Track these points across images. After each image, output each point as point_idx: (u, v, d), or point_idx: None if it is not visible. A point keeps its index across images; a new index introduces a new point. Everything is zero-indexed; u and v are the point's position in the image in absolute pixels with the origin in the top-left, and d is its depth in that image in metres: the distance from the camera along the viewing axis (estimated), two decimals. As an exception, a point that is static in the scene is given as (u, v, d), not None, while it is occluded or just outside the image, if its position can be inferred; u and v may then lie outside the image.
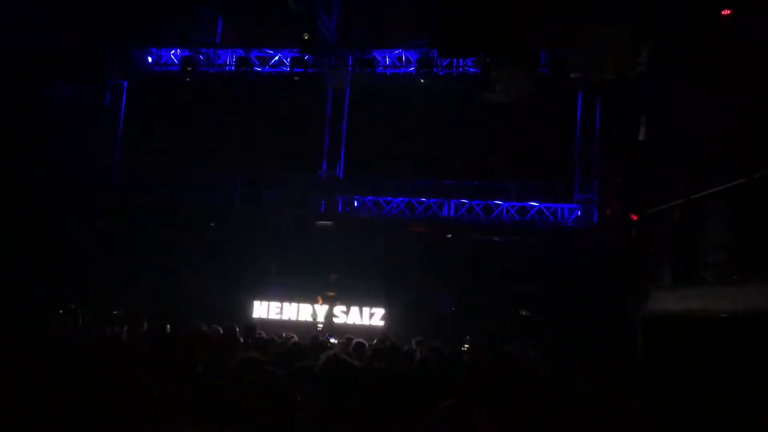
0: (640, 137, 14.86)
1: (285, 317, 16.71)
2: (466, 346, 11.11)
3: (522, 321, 15.51)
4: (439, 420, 3.52)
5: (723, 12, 11.90)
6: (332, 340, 10.32)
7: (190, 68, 18.22)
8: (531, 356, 8.32)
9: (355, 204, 18.41)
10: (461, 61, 17.87)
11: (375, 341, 8.38)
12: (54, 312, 11.66)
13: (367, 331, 13.90)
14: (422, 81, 17.43)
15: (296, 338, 8.85)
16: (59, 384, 4.43)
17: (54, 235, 16.88)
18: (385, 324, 15.94)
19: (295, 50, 17.89)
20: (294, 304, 16.81)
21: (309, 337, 8.88)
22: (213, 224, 18.02)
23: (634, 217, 14.99)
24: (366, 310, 16.45)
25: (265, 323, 15.38)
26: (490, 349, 8.68)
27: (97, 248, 17.43)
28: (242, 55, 18.20)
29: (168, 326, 9.21)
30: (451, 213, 17.87)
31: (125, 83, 19.78)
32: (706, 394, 6.24)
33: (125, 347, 6.55)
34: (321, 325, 15.61)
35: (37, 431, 3.82)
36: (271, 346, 7.70)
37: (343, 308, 16.26)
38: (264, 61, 18.57)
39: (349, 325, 15.90)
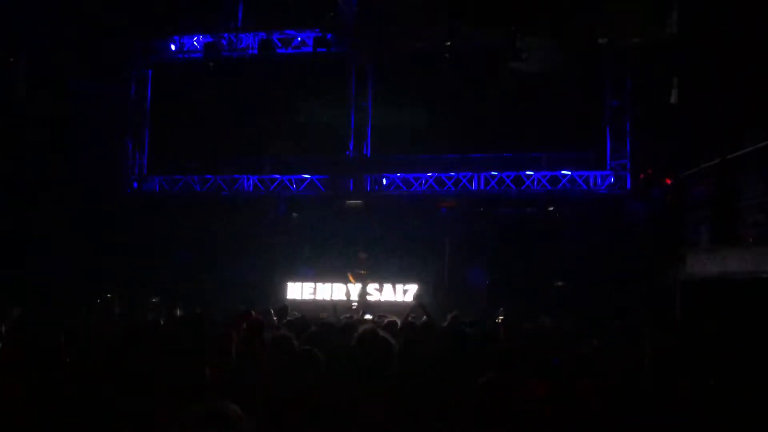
0: (672, 100, 14.57)
1: (319, 297, 16.74)
2: (500, 318, 11.02)
3: (558, 292, 15.36)
4: (477, 395, 3.42)
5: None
6: (368, 317, 10.27)
7: (213, 54, 18.22)
8: (565, 328, 8.18)
9: (384, 182, 18.32)
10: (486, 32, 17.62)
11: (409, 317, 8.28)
12: (91, 303, 11.78)
13: (402, 308, 13.83)
14: (447, 55, 17.22)
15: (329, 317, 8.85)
16: (94, 372, 4.44)
17: (86, 229, 17.08)
18: (418, 299, 15.89)
19: (317, 30, 17.79)
20: (327, 284, 16.84)
21: (340, 316, 8.80)
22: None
23: (668, 181, 14.76)
24: (399, 286, 16.43)
25: (300, 304, 15.40)
26: (524, 322, 8.54)
27: (131, 239, 17.62)
28: (264, 38, 18.15)
29: (198, 310, 9.22)
30: (482, 186, 17.70)
31: (150, 72, 19.85)
32: (748, 358, 6.09)
33: (159, 333, 6.56)
34: (355, 304, 15.61)
35: (77, 417, 3.82)
36: (305, 325, 7.66)
37: (376, 286, 16.25)
38: (286, 42, 18.51)
39: (383, 302, 15.89)
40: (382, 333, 4.39)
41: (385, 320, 8.35)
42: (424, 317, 7.62)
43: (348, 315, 10.33)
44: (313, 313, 10.99)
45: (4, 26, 15.99)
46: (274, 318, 9.42)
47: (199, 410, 2.44)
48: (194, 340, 5.37)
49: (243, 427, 2.42)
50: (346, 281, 16.28)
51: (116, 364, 4.55)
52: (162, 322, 8.70)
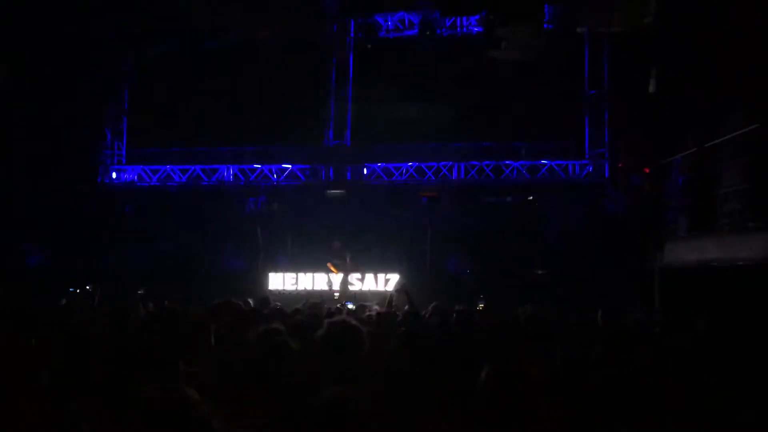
0: (650, 89, 14.68)
1: (301, 287, 16.75)
2: (480, 306, 11.08)
3: (539, 280, 15.46)
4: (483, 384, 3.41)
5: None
6: (350, 306, 10.29)
7: (193, 43, 18.09)
8: (548, 315, 8.23)
9: (365, 171, 18.31)
10: (465, 20, 17.66)
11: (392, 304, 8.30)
12: (70, 293, 11.73)
13: (384, 297, 13.87)
14: (425, 43, 17.23)
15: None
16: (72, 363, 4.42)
17: (64, 218, 16.97)
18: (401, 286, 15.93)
19: (297, 19, 17.69)
20: (309, 274, 16.85)
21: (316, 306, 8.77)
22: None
23: (647, 170, 14.88)
24: (381, 276, 16.47)
25: (281, 294, 15.41)
26: (503, 310, 8.61)
27: (109, 229, 17.54)
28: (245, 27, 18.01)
29: (167, 303, 9.17)
30: (462, 175, 17.75)
31: (129, 61, 19.66)
32: (725, 343, 6.16)
33: (135, 326, 6.53)
34: (336, 294, 15.63)
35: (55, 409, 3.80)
36: (285, 317, 7.66)
37: (358, 275, 16.28)
38: (266, 31, 18.36)
39: (365, 291, 15.93)
40: (353, 322, 4.40)
41: (367, 312, 8.40)
42: (407, 305, 7.63)
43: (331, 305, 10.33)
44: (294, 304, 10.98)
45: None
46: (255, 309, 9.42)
47: (155, 393, 2.44)
48: (168, 333, 5.37)
49: (199, 411, 2.42)
50: (327, 271, 16.31)
51: (88, 356, 4.53)
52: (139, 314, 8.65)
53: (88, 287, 11.99)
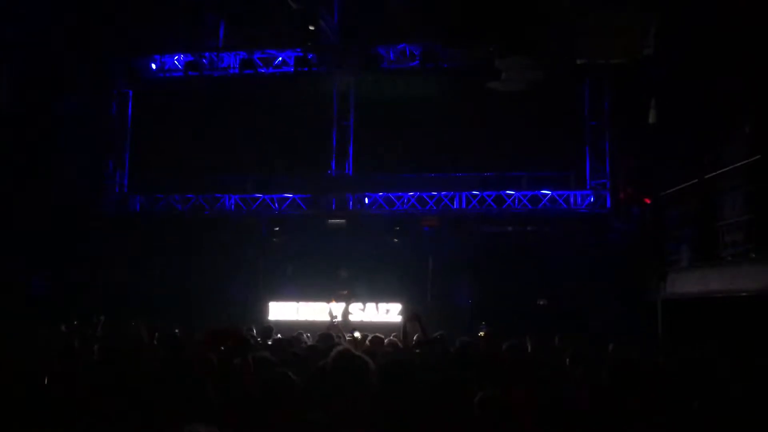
0: (651, 120, 14.75)
1: (302, 318, 16.66)
2: (481, 333, 11.03)
3: (540, 310, 15.41)
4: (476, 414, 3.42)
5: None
6: (356, 335, 10.23)
7: (194, 73, 18.24)
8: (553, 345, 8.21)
9: (366, 201, 18.34)
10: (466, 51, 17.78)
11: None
12: (71, 323, 11.67)
13: (385, 328, 13.80)
14: (428, 75, 17.37)
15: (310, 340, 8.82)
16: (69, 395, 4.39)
17: (66, 248, 16.98)
18: (402, 319, 15.87)
19: (298, 50, 17.85)
20: (310, 304, 16.78)
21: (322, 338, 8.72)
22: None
23: (648, 201, 14.90)
24: (382, 305, 16.41)
25: (283, 324, 15.32)
26: (504, 340, 8.57)
27: (110, 258, 17.53)
28: (246, 57, 18.18)
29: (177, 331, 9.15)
30: (463, 205, 17.77)
31: (130, 92, 19.79)
32: (729, 374, 6.13)
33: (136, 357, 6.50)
34: (335, 322, 15.53)
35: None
36: (287, 347, 7.65)
37: (360, 305, 16.21)
38: (268, 62, 18.53)
39: (365, 322, 15.84)
40: (358, 353, 4.37)
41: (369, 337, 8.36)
42: (419, 334, 7.53)
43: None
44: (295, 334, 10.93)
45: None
46: (258, 339, 9.40)
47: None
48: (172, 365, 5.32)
49: None
50: (328, 300, 16.23)
51: (91, 389, 4.50)
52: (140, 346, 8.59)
53: (94, 317, 11.92)
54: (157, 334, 9.36)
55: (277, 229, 18.01)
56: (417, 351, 6.90)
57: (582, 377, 5.48)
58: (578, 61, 17.08)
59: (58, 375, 4.73)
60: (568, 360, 6.57)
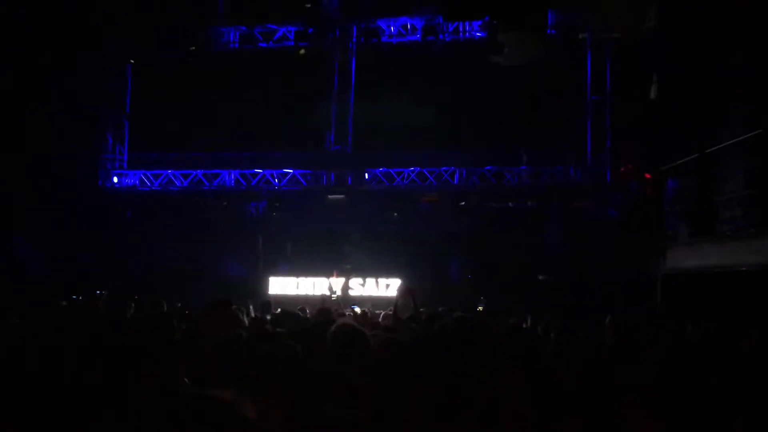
0: (652, 95, 14.67)
1: (301, 292, 16.72)
2: (480, 308, 11.06)
3: (540, 285, 15.44)
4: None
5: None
6: (356, 309, 10.27)
7: (194, 47, 18.15)
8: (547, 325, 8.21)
9: (366, 176, 18.31)
10: (467, 25, 17.68)
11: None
12: (72, 299, 11.73)
13: (385, 302, 13.86)
14: (429, 49, 17.27)
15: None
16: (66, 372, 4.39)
17: (66, 223, 17.00)
18: (396, 294, 15.91)
19: (298, 24, 17.74)
20: (309, 279, 16.83)
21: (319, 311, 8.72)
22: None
23: (648, 176, 14.87)
24: (382, 281, 16.45)
25: (283, 299, 15.38)
26: (503, 317, 8.60)
27: (110, 233, 17.56)
28: (246, 32, 18.07)
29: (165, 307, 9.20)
30: (463, 181, 17.74)
31: (129, 66, 19.70)
32: (726, 349, 6.15)
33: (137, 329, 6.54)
34: (334, 297, 15.59)
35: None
36: (286, 321, 7.65)
37: (360, 280, 16.26)
38: (268, 36, 18.43)
39: (365, 296, 15.91)
40: (357, 326, 4.39)
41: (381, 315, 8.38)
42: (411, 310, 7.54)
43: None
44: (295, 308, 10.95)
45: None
46: (255, 313, 9.42)
47: (189, 397, 2.38)
48: (164, 339, 5.34)
49: (240, 412, 2.36)
50: (328, 275, 16.28)
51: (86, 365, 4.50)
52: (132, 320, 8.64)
53: (98, 291, 11.98)
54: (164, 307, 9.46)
55: (278, 204, 18.01)
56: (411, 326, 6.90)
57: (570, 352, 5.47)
58: (580, 35, 17.01)
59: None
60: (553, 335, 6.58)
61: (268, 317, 8.68)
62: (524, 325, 8.32)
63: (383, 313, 8.73)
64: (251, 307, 9.40)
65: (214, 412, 2.26)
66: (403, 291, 8.24)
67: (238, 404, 2.29)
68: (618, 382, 4.09)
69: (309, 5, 16.67)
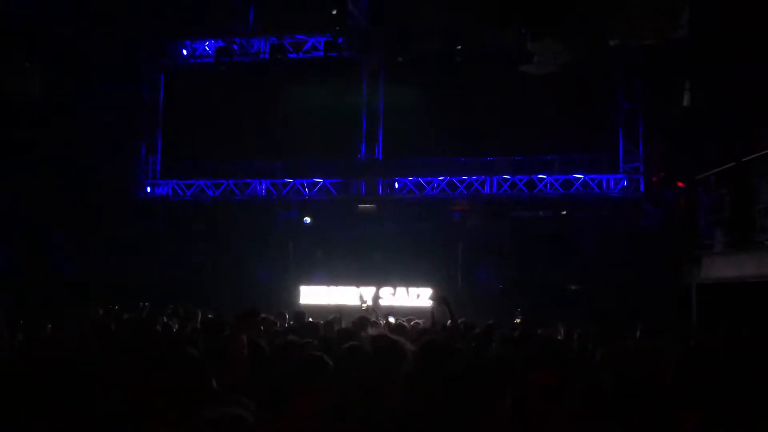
0: (685, 102, 14.53)
1: (332, 302, 16.70)
2: (518, 320, 10.99)
3: (572, 296, 15.31)
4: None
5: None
6: (391, 319, 10.24)
7: (224, 58, 18.33)
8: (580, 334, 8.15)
9: (396, 185, 18.33)
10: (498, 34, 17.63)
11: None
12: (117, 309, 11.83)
13: (416, 312, 13.81)
14: (458, 58, 17.24)
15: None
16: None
17: (100, 232, 17.23)
18: (433, 304, 15.83)
19: (328, 34, 17.83)
20: (340, 288, 16.82)
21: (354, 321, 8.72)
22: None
23: (681, 185, 14.70)
24: (412, 290, 16.39)
25: (313, 308, 15.39)
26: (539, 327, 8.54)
27: (143, 243, 17.74)
28: (276, 42, 18.21)
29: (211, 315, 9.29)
30: (494, 190, 17.67)
31: (162, 77, 19.95)
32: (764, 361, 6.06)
33: (176, 338, 6.62)
34: (364, 306, 15.55)
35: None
36: (318, 330, 7.68)
37: (390, 290, 16.22)
38: (297, 47, 18.54)
39: (396, 306, 15.85)
40: (394, 337, 4.39)
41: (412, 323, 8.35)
42: (449, 319, 7.50)
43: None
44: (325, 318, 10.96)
45: (19, 31, 16.11)
46: (290, 322, 9.47)
47: (211, 415, 2.42)
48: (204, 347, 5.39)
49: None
50: (359, 285, 16.26)
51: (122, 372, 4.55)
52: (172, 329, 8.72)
53: (142, 304, 12.08)
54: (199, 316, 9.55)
55: (308, 221, 18.05)
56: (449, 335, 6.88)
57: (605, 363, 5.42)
58: (611, 43, 16.88)
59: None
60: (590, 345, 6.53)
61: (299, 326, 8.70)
62: (558, 337, 8.30)
63: (421, 323, 8.71)
64: (287, 315, 9.47)
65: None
66: (438, 299, 8.22)
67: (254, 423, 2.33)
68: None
69: (336, 13, 16.72)
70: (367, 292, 16.04)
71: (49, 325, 7.87)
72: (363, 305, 15.33)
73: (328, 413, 3.60)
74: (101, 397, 3.79)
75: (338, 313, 10.15)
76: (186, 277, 16.60)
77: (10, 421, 3.42)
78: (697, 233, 12.35)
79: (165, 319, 9.65)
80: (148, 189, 19.73)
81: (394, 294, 16.27)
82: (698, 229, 12.39)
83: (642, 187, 16.94)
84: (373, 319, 9.11)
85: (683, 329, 9.42)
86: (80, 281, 16.41)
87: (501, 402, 3.68)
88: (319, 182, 18.61)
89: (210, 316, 9.96)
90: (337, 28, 17.34)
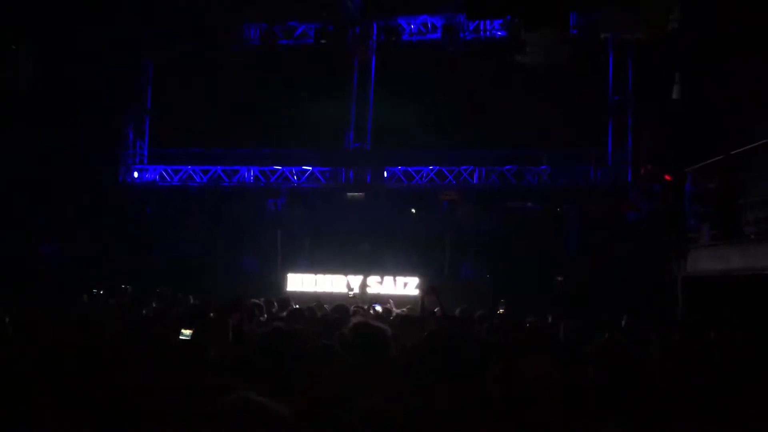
0: (674, 95, 14.54)
1: (319, 290, 16.69)
2: (501, 310, 11.01)
3: (558, 287, 15.34)
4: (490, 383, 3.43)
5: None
6: (377, 308, 10.24)
7: (214, 45, 18.21)
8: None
9: (385, 174, 18.30)
10: (488, 24, 17.61)
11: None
12: (91, 292, 11.79)
13: (403, 301, 13.81)
14: (449, 47, 17.21)
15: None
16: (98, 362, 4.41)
17: (85, 218, 17.13)
18: (420, 293, 15.83)
19: (319, 21, 17.75)
20: (327, 276, 16.80)
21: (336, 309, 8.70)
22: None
23: (668, 177, 14.74)
24: (400, 279, 16.38)
25: (301, 296, 15.36)
26: (522, 317, 8.57)
27: (130, 228, 17.66)
28: (266, 28, 18.09)
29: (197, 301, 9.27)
30: (483, 180, 17.67)
31: (151, 64, 19.80)
32: (749, 354, 6.09)
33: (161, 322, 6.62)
34: (351, 294, 15.54)
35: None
36: (303, 317, 7.66)
37: (377, 278, 16.21)
38: (288, 33, 18.45)
39: (382, 295, 15.85)
40: (376, 323, 4.38)
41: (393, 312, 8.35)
42: (437, 308, 7.50)
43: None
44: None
45: (7, 14, 15.94)
46: (275, 309, 9.44)
47: (230, 399, 2.37)
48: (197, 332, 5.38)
49: (279, 413, 2.35)
50: (346, 273, 16.25)
51: (118, 356, 4.52)
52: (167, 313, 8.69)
53: (123, 286, 12.04)
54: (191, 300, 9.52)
55: (296, 201, 17.99)
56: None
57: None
58: (602, 35, 16.89)
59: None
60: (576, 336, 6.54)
61: (284, 314, 8.68)
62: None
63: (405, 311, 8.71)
64: (275, 303, 9.45)
65: (257, 415, 2.26)
66: (428, 289, 8.24)
67: (276, 406, 2.29)
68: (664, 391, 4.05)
69: (329, 3, 16.65)
70: (355, 281, 16.09)
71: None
72: (350, 293, 15.37)
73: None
74: (101, 389, 3.77)
75: (317, 301, 10.18)
76: (172, 263, 16.54)
77: (9, 416, 3.38)
78: (684, 226, 12.38)
79: (153, 304, 9.64)
80: (135, 174, 19.62)
81: (381, 282, 16.27)
82: (684, 222, 12.42)
83: (629, 179, 16.98)
84: (358, 307, 9.09)
85: (668, 322, 9.43)
86: (65, 266, 16.33)
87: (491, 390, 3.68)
88: (307, 170, 18.57)
89: (196, 302, 9.93)
90: (329, 15, 17.26)
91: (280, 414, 2.32)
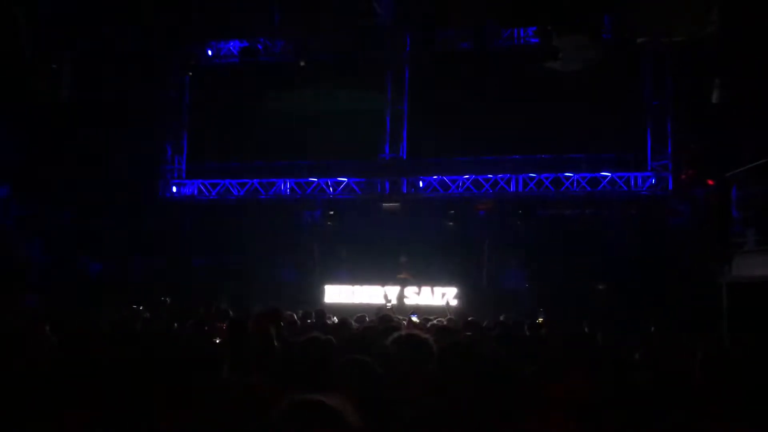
0: (714, 99, 14.29)
1: (357, 301, 16.68)
2: (540, 319, 10.90)
3: (599, 295, 15.13)
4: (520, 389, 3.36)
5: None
6: (414, 318, 10.20)
7: (249, 59, 18.37)
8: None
9: (420, 184, 18.25)
10: (522, 31, 17.51)
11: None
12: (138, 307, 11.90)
13: (441, 312, 13.74)
14: (482, 55, 17.14)
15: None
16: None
17: (125, 232, 17.36)
18: (458, 303, 15.76)
19: (353, 34, 17.78)
20: (365, 287, 16.79)
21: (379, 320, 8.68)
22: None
23: (711, 182, 14.49)
24: (438, 289, 16.30)
25: (338, 307, 15.36)
26: (565, 327, 8.45)
27: (169, 242, 17.84)
28: (300, 42, 18.19)
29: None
30: (520, 188, 17.51)
31: (188, 78, 20.03)
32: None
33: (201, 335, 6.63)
34: (389, 305, 15.52)
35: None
36: (342, 329, 7.62)
37: (415, 289, 16.16)
38: (324, 46, 18.51)
39: (421, 305, 15.79)
40: (421, 334, 4.34)
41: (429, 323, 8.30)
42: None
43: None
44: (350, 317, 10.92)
45: (49, 31, 16.26)
46: (312, 320, 9.45)
47: (295, 401, 2.32)
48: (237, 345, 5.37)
49: (346, 418, 2.29)
50: (383, 284, 16.21)
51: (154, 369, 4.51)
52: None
53: (162, 298, 12.16)
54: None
55: (332, 212, 18.01)
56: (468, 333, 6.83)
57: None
58: (639, 40, 16.67)
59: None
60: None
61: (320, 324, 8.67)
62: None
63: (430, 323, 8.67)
64: (313, 314, 9.46)
65: (325, 418, 2.21)
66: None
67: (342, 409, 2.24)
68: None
69: (361, 12, 16.68)
70: (392, 291, 16.06)
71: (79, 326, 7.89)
72: (388, 304, 15.35)
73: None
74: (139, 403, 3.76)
75: (362, 313, 10.16)
76: (209, 276, 16.67)
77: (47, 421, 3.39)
78: (727, 231, 12.14)
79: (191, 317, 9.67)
80: (174, 189, 19.82)
81: (418, 293, 16.22)
82: (729, 227, 12.19)
83: (671, 185, 16.70)
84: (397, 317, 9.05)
85: (714, 329, 9.24)
86: (105, 281, 16.55)
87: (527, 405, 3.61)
88: (343, 181, 18.59)
89: (232, 314, 9.96)
90: (362, 27, 17.29)
91: (344, 414, 2.27)
